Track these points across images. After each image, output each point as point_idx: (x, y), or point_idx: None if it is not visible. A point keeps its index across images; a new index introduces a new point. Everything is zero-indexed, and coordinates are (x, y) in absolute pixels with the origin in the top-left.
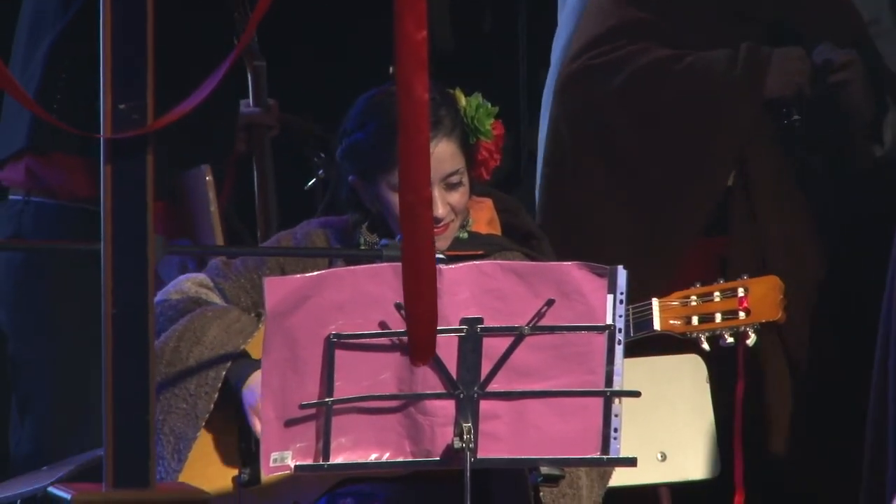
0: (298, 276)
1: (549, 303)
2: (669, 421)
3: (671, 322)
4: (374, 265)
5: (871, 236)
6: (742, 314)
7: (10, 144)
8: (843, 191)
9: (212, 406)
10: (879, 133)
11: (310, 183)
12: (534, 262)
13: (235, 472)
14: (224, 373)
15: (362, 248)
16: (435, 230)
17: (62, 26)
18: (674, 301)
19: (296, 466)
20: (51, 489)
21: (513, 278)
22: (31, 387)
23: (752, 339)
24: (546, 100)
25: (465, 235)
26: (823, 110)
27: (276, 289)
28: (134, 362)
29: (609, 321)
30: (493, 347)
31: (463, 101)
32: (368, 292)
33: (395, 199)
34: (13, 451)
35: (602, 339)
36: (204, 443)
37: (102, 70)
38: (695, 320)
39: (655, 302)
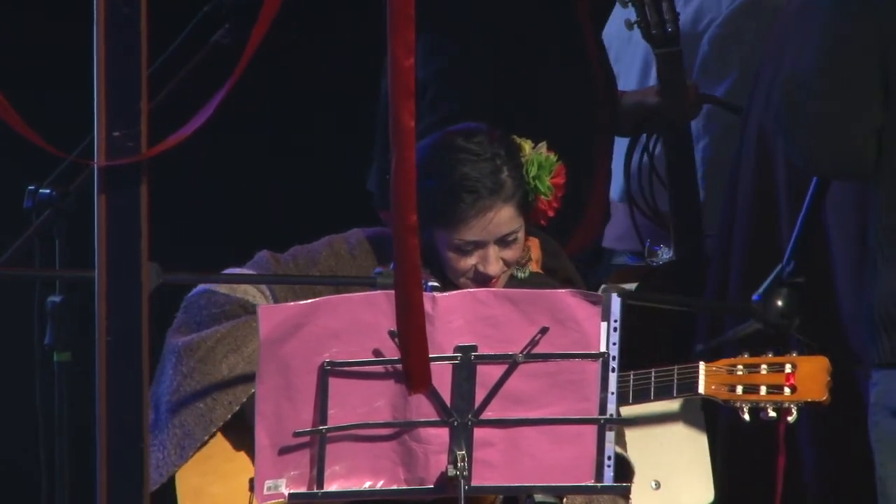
0: (292, 303)
1: (544, 330)
2: (663, 449)
3: (714, 388)
4: (369, 293)
5: None
6: (787, 390)
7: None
8: None
9: (229, 416)
10: None
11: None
12: (528, 290)
13: (250, 473)
14: (253, 390)
15: None
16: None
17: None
18: (720, 367)
19: (289, 494)
20: None
21: (507, 305)
22: None
23: (793, 416)
24: None
25: (526, 275)
26: None
27: (271, 316)
28: (128, 390)
29: (603, 349)
30: (488, 375)
31: (527, 150)
32: (363, 320)
33: (447, 254)
34: None
35: (596, 366)
36: (222, 439)
37: (96, 97)
38: (739, 389)
39: (702, 366)
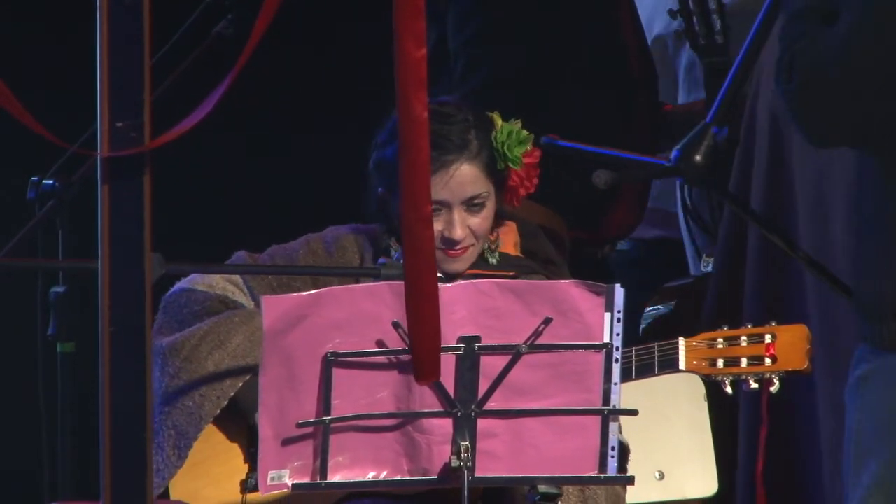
0: (296, 294)
1: (547, 321)
2: (667, 439)
3: (695, 363)
4: (372, 284)
5: None
6: (768, 361)
7: None
8: None
9: (218, 411)
10: None
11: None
12: (531, 281)
13: (242, 475)
14: (241, 383)
15: (394, 257)
16: (452, 252)
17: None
18: (700, 342)
19: (293, 485)
20: None
21: (510, 297)
22: None
23: (775, 387)
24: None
25: (496, 260)
26: None
27: (274, 307)
28: (131, 380)
29: (606, 339)
30: (491, 366)
31: (498, 123)
32: (366, 311)
33: None
34: None
35: (599, 357)
36: (214, 443)
37: (99, 87)
38: (720, 363)
39: (682, 341)
